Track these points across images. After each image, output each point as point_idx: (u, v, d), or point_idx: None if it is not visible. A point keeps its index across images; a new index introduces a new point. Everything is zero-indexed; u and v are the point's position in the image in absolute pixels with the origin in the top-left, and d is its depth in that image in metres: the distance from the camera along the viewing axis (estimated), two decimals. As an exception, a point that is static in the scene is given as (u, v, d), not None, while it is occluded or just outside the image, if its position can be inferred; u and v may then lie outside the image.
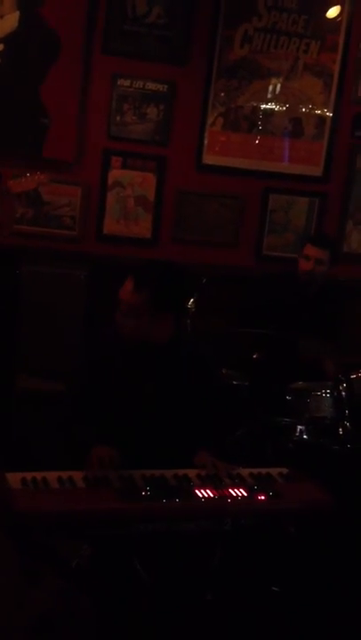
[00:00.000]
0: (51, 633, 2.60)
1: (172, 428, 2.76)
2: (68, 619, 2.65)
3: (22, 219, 4.18)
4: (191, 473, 2.62)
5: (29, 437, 3.57)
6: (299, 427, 3.43)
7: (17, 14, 3.96)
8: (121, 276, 2.81)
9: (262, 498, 2.50)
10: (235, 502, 2.48)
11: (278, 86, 4.30)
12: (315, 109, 4.36)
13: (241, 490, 2.52)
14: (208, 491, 2.49)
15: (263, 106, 4.31)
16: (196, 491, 2.48)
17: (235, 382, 3.76)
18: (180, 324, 2.99)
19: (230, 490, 2.52)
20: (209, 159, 4.32)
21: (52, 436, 2.96)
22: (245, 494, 2.51)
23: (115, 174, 4.25)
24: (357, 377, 3.50)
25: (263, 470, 2.72)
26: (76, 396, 2.86)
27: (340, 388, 3.46)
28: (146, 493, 2.41)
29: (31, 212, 4.19)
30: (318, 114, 4.36)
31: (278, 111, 4.33)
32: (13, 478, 2.44)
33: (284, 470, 2.74)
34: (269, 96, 4.30)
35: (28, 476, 2.46)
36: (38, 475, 2.47)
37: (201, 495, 2.46)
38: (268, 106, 4.32)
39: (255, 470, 2.70)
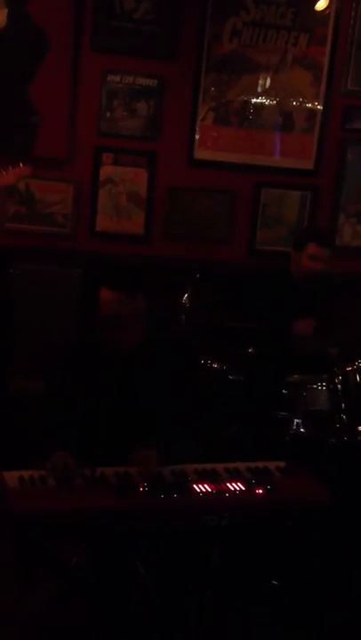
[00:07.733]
0: (50, 635, 2.59)
1: (147, 424, 2.69)
2: (68, 621, 2.65)
3: (14, 217, 4.17)
4: (188, 468, 2.61)
5: (25, 437, 3.56)
6: (295, 420, 3.43)
7: (5, 11, 3.94)
8: (114, 273, 2.80)
9: (260, 492, 2.50)
10: (232, 496, 2.47)
11: (268, 80, 4.29)
12: (305, 102, 4.35)
13: (239, 484, 2.52)
14: (205, 485, 2.49)
15: (253, 100, 4.30)
16: (194, 485, 2.48)
17: (230, 377, 3.76)
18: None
19: (228, 484, 2.52)
20: (200, 154, 4.31)
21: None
22: (243, 488, 2.51)
23: (106, 171, 4.24)
24: (353, 369, 3.51)
25: (260, 464, 2.71)
26: (53, 395, 2.85)
27: (336, 380, 3.47)
28: (143, 490, 2.41)
29: (23, 210, 4.18)
30: (309, 107, 4.35)
31: (269, 105, 4.32)
32: (10, 477, 2.43)
33: (282, 464, 2.74)
34: (259, 90, 4.30)
35: (25, 474, 2.45)
36: (35, 473, 2.47)
37: (198, 490, 2.46)
38: (259, 100, 4.31)
39: (252, 464, 2.70)
